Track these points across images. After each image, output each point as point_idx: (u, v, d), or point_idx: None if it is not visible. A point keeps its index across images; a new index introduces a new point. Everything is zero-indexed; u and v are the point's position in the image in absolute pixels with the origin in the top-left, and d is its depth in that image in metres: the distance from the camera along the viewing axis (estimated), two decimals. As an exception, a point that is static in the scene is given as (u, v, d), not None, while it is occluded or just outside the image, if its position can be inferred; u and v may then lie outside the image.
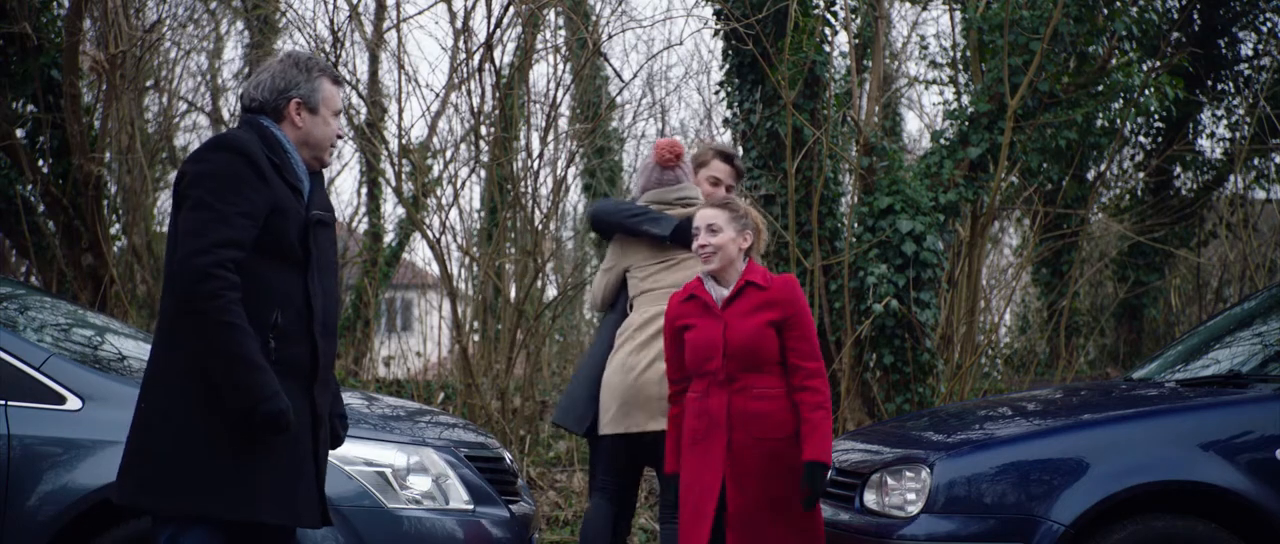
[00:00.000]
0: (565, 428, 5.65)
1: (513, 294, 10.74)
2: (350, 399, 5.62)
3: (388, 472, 4.89)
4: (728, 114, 10.21)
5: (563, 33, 11.74)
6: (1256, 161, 12.56)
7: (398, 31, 10.79)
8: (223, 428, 3.59)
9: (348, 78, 3.39)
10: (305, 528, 3.82)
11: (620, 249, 5.57)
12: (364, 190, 15.27)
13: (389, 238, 14.98)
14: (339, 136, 3.91)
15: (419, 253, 17.04)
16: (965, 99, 9.97)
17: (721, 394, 4.64)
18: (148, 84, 11.35)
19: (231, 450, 3.59)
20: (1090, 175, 12.72)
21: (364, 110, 11.22)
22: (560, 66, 11.01)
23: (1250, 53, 12.89)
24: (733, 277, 4.77)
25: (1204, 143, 13.29)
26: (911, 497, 4.85)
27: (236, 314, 3.52)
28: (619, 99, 14.92)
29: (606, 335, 5.57)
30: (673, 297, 4.88)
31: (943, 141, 9.63)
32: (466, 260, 11.53)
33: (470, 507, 5.07)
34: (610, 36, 12.53)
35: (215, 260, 3.52)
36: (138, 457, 3.67)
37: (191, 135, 16.72)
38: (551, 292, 13.77)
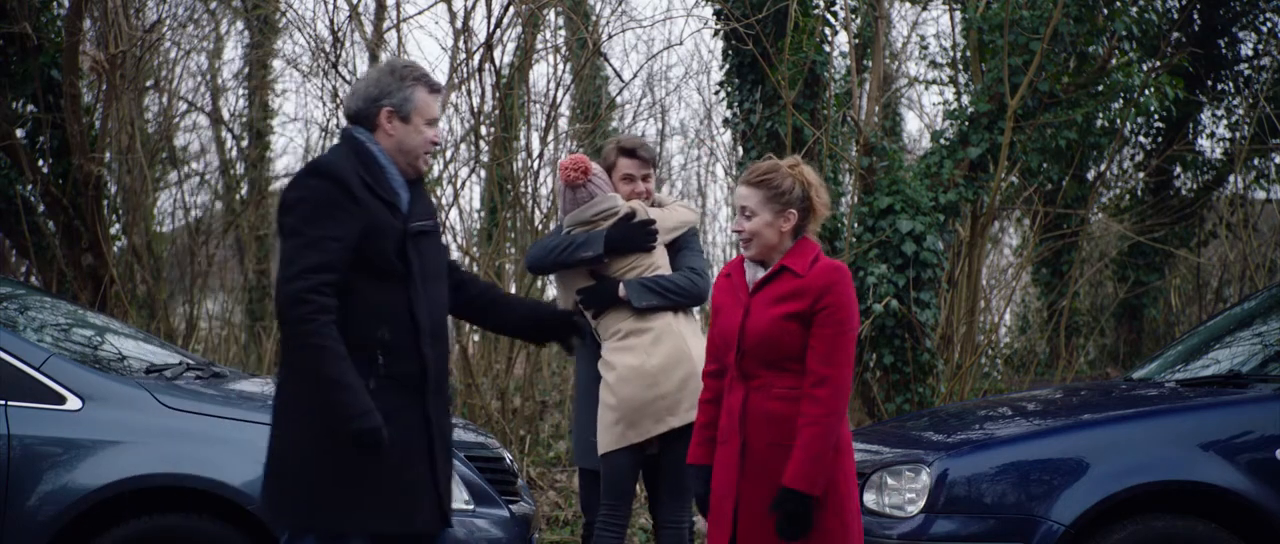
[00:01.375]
0: (592, 469, 5.39)
1: (513, 294, 10.73)
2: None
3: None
4: (728, 114, 10.21)
5: (563, 33, 11.74)
6: (1256, 161, 12.56)
7: (398, 31, 10.79)
8: (330, 444, 3.66)
9: (444, 84, 3.40)
10: (420, 532, 3.86)
11: (565, 284, 5.34)
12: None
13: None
14: (434, 144, 3.91)
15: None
16: (965, 99, 9.97)
17: (740, 390, 4.06)
18: (148, 84, 11.34)
19: (337, 465, 3.67)
20: (1090, 175, 12.73)
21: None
22: (560, 66, 11.02)
23: (1250, 53, 12.90)
24: (776, 259, 4.08)
25: (1204, 143, 13.30)
26: (911, 497, 4.85)
27: (328, 336, 3.58)
28: (619, 99, 14.92)
29: (584, 368, 5.40)
30: (722, 270, 4.29)
31: (943, 141, 9.63)
32: (466, 260, 11.52)
33: (470, 507, 5.07)
34: (610, 36, 12.53)
35: (308, 286, 3.59)
36: (265, 472, 3.81)
37: (191, 135, 16.73)
38: (551, 292, 13.76)
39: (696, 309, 5.38)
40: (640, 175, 5.29)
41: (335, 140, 3.92)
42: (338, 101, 10.74)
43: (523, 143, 11.17)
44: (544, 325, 4.24)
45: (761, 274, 4.08)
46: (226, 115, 16.06)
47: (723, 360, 4.12)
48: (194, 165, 16.12)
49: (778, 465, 3.94)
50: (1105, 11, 9.54)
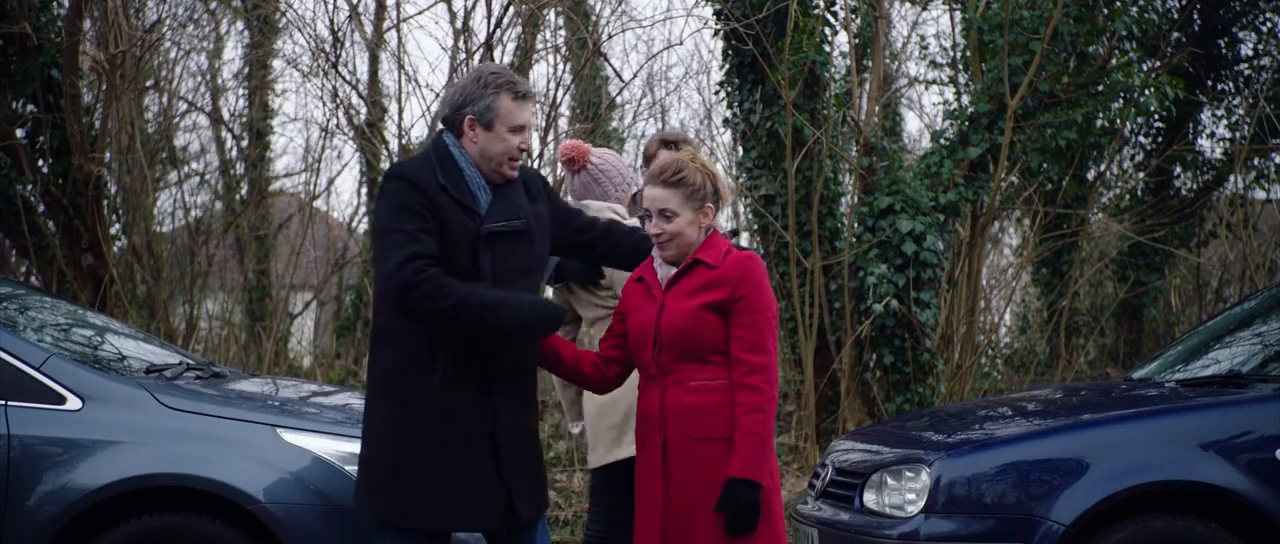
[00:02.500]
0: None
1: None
2: (351, 399, 5.61)
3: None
4: (728, 114, 10.21)
5: (563, 33, 11.74)
6: (1256, 161, 12.57)
7: (398, 31, 10.81)
8: (400, 441, 3.82)
9: (533, 91, 3.36)
10: (482, 531, 3.97)
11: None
12: (364, 190, 15.27)
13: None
14: (521, 150, 3.97)
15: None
16: (965, 99, 9.97)
17: (655, 389, 3.97)
18: (148, 84, 11.35)
19: (406, 462, 3.81)
20: (1090, 175, 12.73)
21: (364, 110, 11.23)
22: (560, 66, 11.02)
23: (1250, 53, 12.90)
24: (688, 256, 4.03)
25: (1204, 143, 13.30)
26: (911, 497, 4.85)
27: (452, 287, 3.72)
28: (619, 99, 14.92)
29: None
30: (632, 275, 4.23)
31: (943, 141, 9.63)
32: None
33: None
34: (610, 36, 12.53)
35: (413, 269, 3.72)
36: (361, 468, 3.98)
37: (191, 135, 16.73)
38: (551, 292, 13.75)
39: None
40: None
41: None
42: (338, 101, 10.75)
43: (523, 143, 11.15)
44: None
45: (673, 271, 4.01)
46: (226, 115, 16.07)
47: (638, 361, 4.05)
48: (194, 165, 16.13)
49: (702, 459, 3.88)
50: (1105, 11, 9.54)
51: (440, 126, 4.02)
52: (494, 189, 3.95)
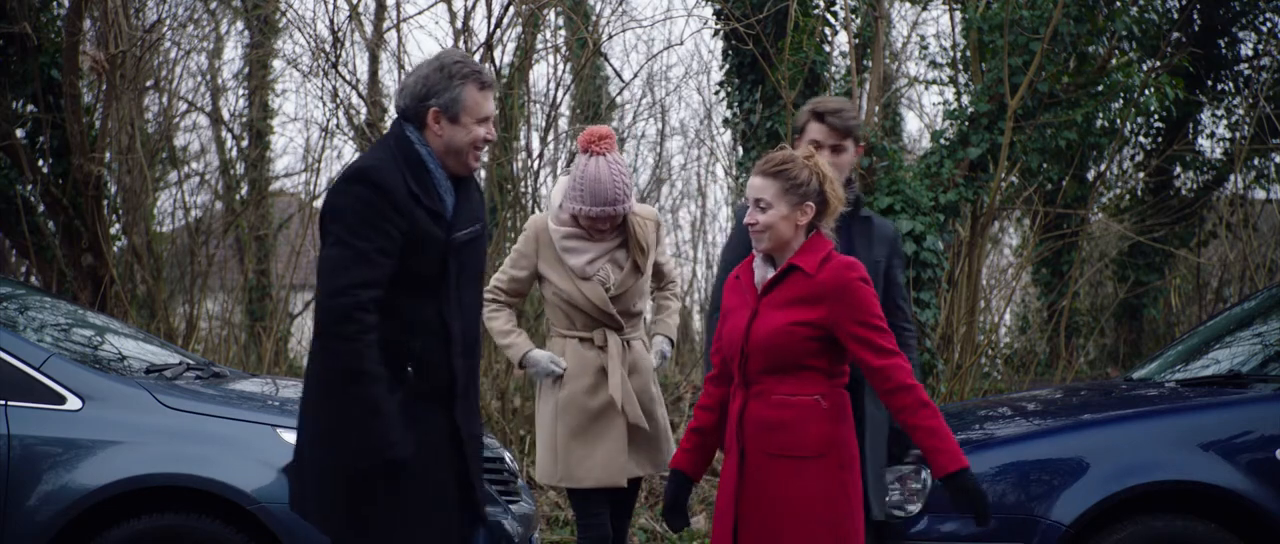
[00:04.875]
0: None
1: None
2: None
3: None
4: (728, 114, 10.21)
5: (563, 33, 11.73)
6: (1256, 161, 12.56)
7: (398, 31, 10.80)
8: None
9: (492, 78, 3.19)
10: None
11: (555, 283, 5.03)
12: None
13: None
14: (487, 141, 3.79)
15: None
16: (965, 99, 9.97)
17: (740, 398, 3.86)
18: (148, 84, 11.33)
19: (367, 481, 3.63)
20: (1090, 175, 12.72)
21: (364, 110, 11.22)
22: (560, 66, 11.01)
23: (1250, 53, 12.90)
24: (787, 256, 3.87)
25: (1204, 143, 13.29)
26: (911, 497, 4.85)
27: (368, 359, 3.53)
28: (619, 99, 14.92)
29: None
30: (732, 272, 4.08)
31: (943, 141, 9.63)
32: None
33: (470, 507, 5.07)
34: (610, 36, 12.53)
35: (354, 302, 3.53)
36: (299, 483, 3.77)
37: (191, 135, 16.72)
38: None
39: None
40: (829, 145, 4.66)
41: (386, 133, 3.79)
42: (338, 101, 10.74)
43: (523, 143, 11.17)
44: None
45: (771, 274, 3.88)
46: (226, 115, 16.05)
47: (728, 366, 3.93)
48: (194, 165, 16.11)
49: (778, 477, 3.75)
50: (1105, 11, 9.54)
51: (399, 117, 3.81)
52: (455, 186, 3.79)
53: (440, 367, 3.71)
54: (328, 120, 12.61)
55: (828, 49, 9.77)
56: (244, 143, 16.13)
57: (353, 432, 3.55)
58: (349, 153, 15.17)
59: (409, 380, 3.65)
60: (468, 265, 3.79)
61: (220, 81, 16.14)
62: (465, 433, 3.79)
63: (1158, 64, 11.03)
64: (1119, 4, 9.69)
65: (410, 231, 3.63)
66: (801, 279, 3.80)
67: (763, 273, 3.91)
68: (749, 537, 3.79)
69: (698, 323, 15.33)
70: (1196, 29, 12.47)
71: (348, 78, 10.33)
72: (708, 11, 10.67)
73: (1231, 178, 12.48)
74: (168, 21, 11.26)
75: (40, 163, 9.82)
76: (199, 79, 15.04)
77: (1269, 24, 12.75)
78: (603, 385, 4.98)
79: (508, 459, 5.56)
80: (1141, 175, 13.32)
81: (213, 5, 14.66)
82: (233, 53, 19.54)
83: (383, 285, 3.58)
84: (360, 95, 10.91)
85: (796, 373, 3.76)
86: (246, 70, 16.05)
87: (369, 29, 12.77)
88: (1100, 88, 9.88)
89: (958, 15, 10.26)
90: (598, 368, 4.99)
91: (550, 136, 10.46)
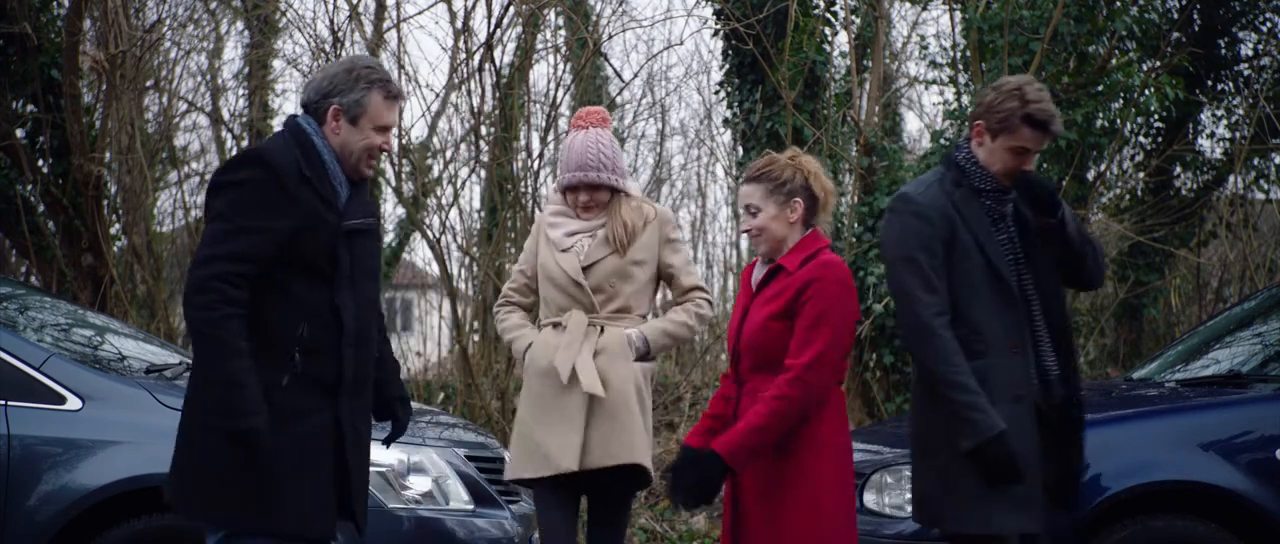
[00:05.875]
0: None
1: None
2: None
3: (388, 472, 4.89)
4: (728, 114, 10.21)
5: (563, 33, 11.73)
6: (1256, 161, 12.55)
7: (398, 31, 10.81)
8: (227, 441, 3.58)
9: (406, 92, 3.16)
10: (316, 538, 3.74)
11: (551, 281, 4.80)
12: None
13: (389, 238, 14.98)
14: (383, 149, 3.76)
15: (419, 253, 17.04)
16: (965, 99, 9.97)
17: (735, 396, 4.02)
18: (148, 84, 11.33)
19: (237, 463, 3.57)
20: (1090, 175, 12.71)
21: (364, 110, 11.20)
22: (560, 66, 11.01)
23: (1250, 53, 12.89)
24: (782, 255, 4.00)
25: (1204, 143, 13.28)
26: (911, 496, 4.85)
27: (226, 329, 3.49)
28: (619, 99, 14.91)
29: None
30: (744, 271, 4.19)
31: (943, 141, 9.63)
32: (466, 260, 11.53)
33: (470, 507, 5.07)
34: (610, 36, 12.53)
35: (214, 273, 3.50)
36: (173, 462, 3.70)
37: (191, 135, 16.73)
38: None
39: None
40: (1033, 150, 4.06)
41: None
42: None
43: (523, 143, 11.17)
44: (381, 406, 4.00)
45: (761, 276, 4.02)
46: (226, 115, 16.05)
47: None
48: (194, 165, 16.12)
49: (765, 474, 3.84)
50: (1105, 11, 9.54)
51: (299, 111, 3.79)
52: (352, 186, 3.76)
53: (329, 354, 3.66)
54: (327, 120, 12.58)
55: (828, 49, 9.77)
56: (244, 143, 16.12)
57: (211, 401, 3.53)
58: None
59: (295, 366, 3.60)
60: (361, 259, 3.74)
61: (220, 81, 16.14)
62: (348, 432, 3.71)
63: (1158, 64, 11.02)
64: (1119, 4, 9.69)
65: (300, 213, 3.60)
66: (784, 277, 3.91)
67: (758, 274, 4.03)
68: (745, 526, 3.91)
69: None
70: (1196, 29, 12.45)
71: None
72: (708, 11, 10.67)
73: (1231, 178, 12.47)
74: (168, 21, 11.27)
75: (40, 163, 9.82)
76: (199, 79, 15.05)
77: (1269, 24, 12.74)
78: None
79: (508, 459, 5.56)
80: (1141, 175, 13.31)
81: (213, 5, 14.66)
82: (233, 53, 19.54)
83: (255, 263, 3.55)
84: (360, 95, 10.89)
85: (778, 371, 3.82)
86: (246, 70, 16.05)
87: (369, 29, 12.77)
88: (1100, 88, 9.88)
89: (958, 15, 10.26)
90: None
91: (550, 136, 10.46)
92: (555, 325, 4.69)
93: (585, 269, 4.67)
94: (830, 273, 3.86)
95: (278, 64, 15.61)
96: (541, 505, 4.63)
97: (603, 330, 4.65)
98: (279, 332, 3.59)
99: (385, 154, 3.81)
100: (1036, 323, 3.98)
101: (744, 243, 13.09)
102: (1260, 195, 13.29)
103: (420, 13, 11.52)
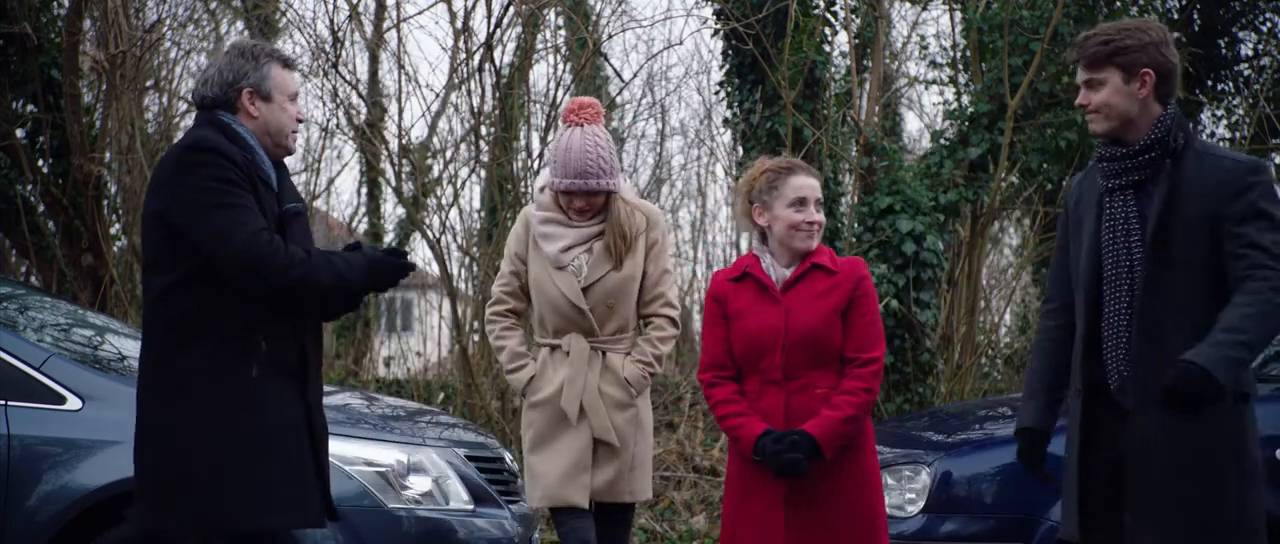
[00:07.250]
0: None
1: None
2: (351, 399, 5.62)
3: (388, 472, 4.89)
4: (728, 114, 10.21)
5: (563, 33, 11.73)
6: (1256, 162, 12.54)
7: (398, 31, 10.82)
8: (219, 439, 3.57)
9: (300, 62, 3.12)
10: (311, 528, 3.79)
11: (546, 282, 4.75)
12: (364, 190, 15.27)
13: (389, 238, 14.98)
14: (299, 120, 3.81)
15: (419, 253, 17.02)
16: (965, 99, 9.97)
17: (778, 395, 3.93)
18: (148, 84, 11.33)
19: (228, 462, 3.57)
20: (1090, 175, 12.71)
21: (364, 110, 11.23)
22: (560, 66, 11.02)
23: (1250, 53, 12.89)
24: (793, 257, 4.05)
25: (1204, 143, 13.28)
26: (911, 497, 4.86)
27: (296, 251, 3.58)
28: (619, 99, 14.91)
29: None
30: (718, 274, 4.14)
31: (943, 141, 9.63)
32: (466, 260, 11.53)
33: (470, 507, 5.07)
34: (610, 36, 12.52)
35: (266, 240, 3.54)
36: (147, 474, 3.67)
37: (191, 135, 16.69)
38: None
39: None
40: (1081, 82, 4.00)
41: (198, 126, 3.75)
42: (338, 101, 10.75)
43: (523, 143, 11.17)
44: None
45: (788, 274, 4.01)
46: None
47: (754, 365, 3.97)
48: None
49: (834, 465, 3.89)
50: (1105, 11, 9.54)
51: (208, 108, 3.75)
52: (276, 167, 3.79)
53: (290, 338, 3.68)
54: (328, 120, 12.60)
55: (828, 49, 9.76)
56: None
57: (366, 287, 3.72)
58: (349, 153, 15.19)
59: (262, 355, 3.61)
60: (299, 240, 3.75)
61: (220, 81, 16.12)
62: (318, 421, 3.75)
63: (1158, 64, 11.01)
64: (1119, 4, 9.69)
65: (255, 195, 3.63)
66: (825, 276, 4.00)
67: (779, 273, 4.02)
68: (803, 519, 3.88)
69: (697, 323, 15.33)
70: (1196, 29, 12.46)
71: (348, 78, 10.34)
72: (708, 11, 10.67)
73: (1231, 178, 12.46)
74: (168, 21, 11.27)
75: (40, 163, 9.82)
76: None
77: (1269, 24, 12.75)
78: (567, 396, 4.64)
79: (508, 459, 5.57)
80: (1141, 175, 13.30)
81: (213, 5, 14.66)
82: (233, 53, 19.48)
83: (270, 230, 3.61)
84: (360, 95, 10.92)
85: (831, 365, 3.93)
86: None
87: (369, 29, 12.78)
88: (1100, 88, 9.87)
89: (958, 15, 10.26)
90: (563, 377, 4.65)
91: (550, 136, 10.46)
92: (553, 349, 4.71)
93: (584, 290, 4.64)
94: (865, 266, 4.07)
95: (278, 64, 15.60)
96: (562, 514, 4.69)
97: (604, 355, 4.67)
98: (241, 320, 3.60)
99: (303, 124, 3.90)
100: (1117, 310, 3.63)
101: (743, 243, 13.06)
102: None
103: (420, 13, 11.52)
